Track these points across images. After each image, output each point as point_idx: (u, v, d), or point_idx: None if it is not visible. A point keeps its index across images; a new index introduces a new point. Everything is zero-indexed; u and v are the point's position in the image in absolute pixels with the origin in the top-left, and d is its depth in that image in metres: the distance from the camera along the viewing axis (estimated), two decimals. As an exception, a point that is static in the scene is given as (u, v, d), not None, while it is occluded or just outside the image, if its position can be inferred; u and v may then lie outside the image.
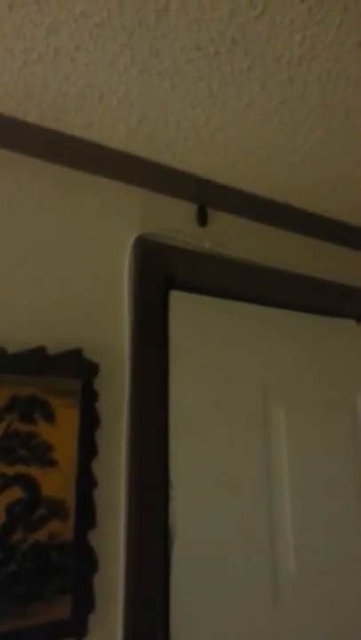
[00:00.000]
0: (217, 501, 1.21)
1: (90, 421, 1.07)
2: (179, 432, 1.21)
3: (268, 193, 1.46)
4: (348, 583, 1.33)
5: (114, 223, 1.26)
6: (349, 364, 1.55)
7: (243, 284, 1.41)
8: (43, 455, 1.00)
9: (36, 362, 1.04)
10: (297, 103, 1.12)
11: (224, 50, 0.98)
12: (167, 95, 1.08)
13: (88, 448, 1.06)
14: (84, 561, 1.00)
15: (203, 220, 1.40)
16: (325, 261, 1.61)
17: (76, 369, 1.08)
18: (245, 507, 1.25)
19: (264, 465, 1.31)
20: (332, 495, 1.38)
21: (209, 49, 0.97)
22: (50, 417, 1.02)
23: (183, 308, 1.31)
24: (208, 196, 1.42)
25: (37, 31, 0.92)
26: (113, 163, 1.26)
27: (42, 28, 0.91)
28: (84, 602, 0.99)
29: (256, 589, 1.20)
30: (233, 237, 1.44)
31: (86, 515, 1.02)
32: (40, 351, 1.05)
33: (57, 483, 1.00)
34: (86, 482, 1.04)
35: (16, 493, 0.96)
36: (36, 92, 1.06)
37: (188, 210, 1.39)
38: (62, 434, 1.02)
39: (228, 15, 0.90)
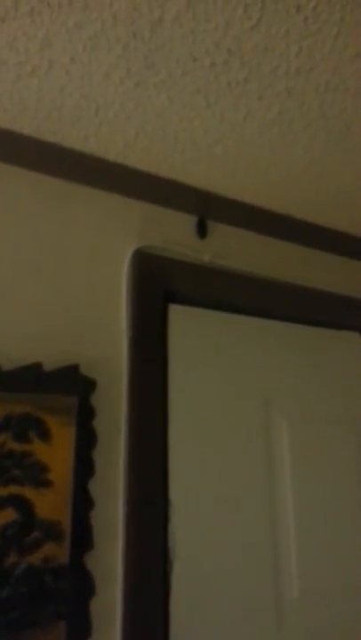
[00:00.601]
0: (217, 521, 1.18)
1: (86, 439, 1.05)
2: (178, 449, 1.18)
3: (269, 204, 1.44)
4: (355, 607, 1.28)
5: (112, 236, 1.24)
6: (353, 377, 1.52)
7: (243, 296, 1.38)
8: (37, 475, 0.97)
9: (31, 379, 1.02)
10: (295, 114, 1.11)
11: (220, 61, 0.96)
12: (164, 107, 1.07)
13: (85, 467, 1.03)
14: (80, 585, 0.97)
15: (202, 232, 1.38)
16: (327, 273, 1.58)
17: (73, 385, 1.06)
18: (247, 526, 1.21)
19: (266, 482, 1.27)
20: (336, 513, 1.34)
21: (205, 60, 0.96)
22: (45, 435, 0.99)
23: (183, 321, 1.29)
24: (208, 208, 1.40)
25: (31, 44, 0.91)
26: (111, 175, 1.24)
27: (35, 40, 0.90)
28: (80, 627, 0.95)
29: (258, 613, 1.16)
30: (233, 249, 1.43)
31: (82, 537, 0.99)
32: (35, 367, 1.03)
33: (52, 504, 0.97)
34: (83, 502, 1.01)
35: (9, 515, 0.93)
36: (31, 104, 1.05)
37: (188, 222, 1.38)
38: (58, 453, 1.00)
39: (223, 26, 0.89)
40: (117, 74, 0.98)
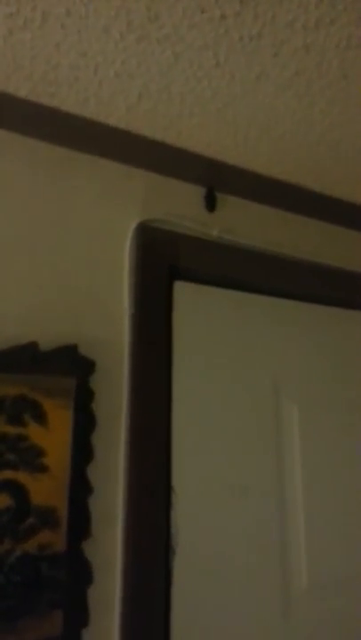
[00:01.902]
0: (223, 509, 1.14)
1: (85, 423, 1.00)
2: (182, 434, 1.13)
3: (283, 175, 1.35)
4: (364, 596, 1.24)
5: (113, 208, 1.17)
6: (368, 360, 1.45)
7: (254, 274, 1.31)
8: (33, 460, 0.92)
9: (26, 359, 0.96)
10: (314, 74, 1.01)
11: (231, 13, 0.87)
12: (169, 65, 0.98)
13: (83, 452, 0.98)
14: (78, 573, 0.94)
15: (211, 204, 1.30)
16: (344, 249, 1.50)
17: (71, 366, 1.00)
18: (254, 514, 1.17)
19: (275, 469, 1.22)
20: (348, 501, 1.29)
21: (214, 12, 0.87)
22: (41, 418, 0.94)
23: (188, 300, 1.22)
24: (217, 179, 1.31)
25: (21, -7, 0.82)
26: (112, 142, 1.16)
27: (26, -11, 0.82)
28: (77, 617, 0.92)
29: (265, 603, 1.12)
30: (244, 223, 1.34)
31: (80, 524, 0.95)
32: (31, 347, 0.98)
33: (48, 489, 0.93)
34: (81, 488, 0.97)
35: (3, 501, 0.89)
36: (25, 63, 0.96)
37: (195, 193, 1.29)
38: (55, 436, 0.95)
39: (236, -30, 0.80)
40: (117, 27, 0.89)
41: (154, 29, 0.90)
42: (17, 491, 0.90)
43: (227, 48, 0.94)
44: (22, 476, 0.91)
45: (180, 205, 1.26)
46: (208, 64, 0.98)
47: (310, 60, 0.98)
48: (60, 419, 0.96)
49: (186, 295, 1.22)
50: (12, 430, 0.92)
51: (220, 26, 0.90)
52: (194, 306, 1.23)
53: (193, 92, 1.04)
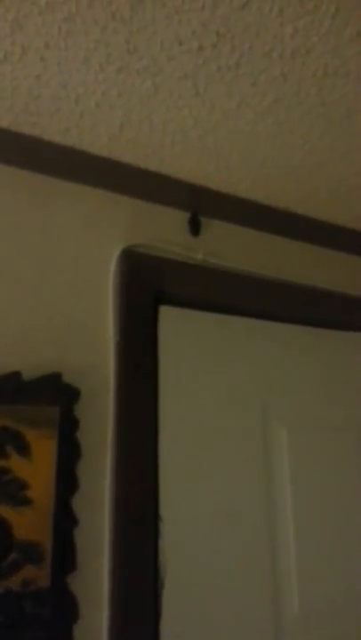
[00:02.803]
0: (213, 536, 1.12)
1: (70, 453, 0.98)
2: (169, 461, 1.11)
3: (266, 198, 1.37)
4: (358, 623, 1.22)
5: (97, 235, 1.17)
6: (357, 381, 1.44)
7: (239, 296, 1.31)
8: (15, 493, 0.90)
9: (8, 389, 0.95)
10: (292, 101, 1.03)
11: (208, 44, 0.89)
12: (149, 95, 0.99)
13: (67, 482, 0.96)
14: (63, 609, 0.91)
15: (195, 228, 1.31)
16: (328, 270, 1.51)
17: (54, 395, 0.99)
18: (244, 541, 1.15)
19: (265, 494, 1.21)
20: (339, 525, 1.27)
21: (192, 44, 0.89)
22: (24, 450, 0.93)
23: (174, 324, 1.22)
24: (200, 204, 1.32)
25: (0, 27, 0.83)
26: (95, 170, 1.17)
27: (5, 23, 0.83)
28: (63, 655, 0.89)
29: (257, 633, 1.10)
30: (228, 247, 1.35)
31: (65, 557, 0.93)
32: (14, 377, 0.97)
33: (31, 523, 0.91)
34: (65, 520, 0.95)
35: (-15, 537, 0.87)
36: (6, 94, 0.97)
37: (179, 218, 1.30)
38: (38, 468, 0.93)
39: (211, 5, 0.81)
40: (97, 59, 0.91)
41: (133, 61, 0.91)
42: (-1, 525, 0.88)
43: (206, 78, 0.96)
44: (4, 511, 0.89)
45: (164, 230, 1.26)
46: (188, 94, 0.99)
47: (288, 87, 1.00)
48: (44, 449, 0.95)
49: (171, 320, 1.22)
50: (-6, 463, 0.90)
51: (199, 57, 0.91)
52: (180, 330, 1.22)
53: (174, 120, 1.06)
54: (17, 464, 0.92)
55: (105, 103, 1.00)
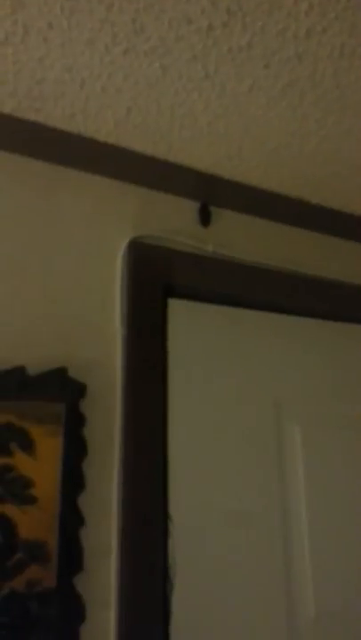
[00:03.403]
0: (224, 537, 1.08)
1: (76, 450, 0.95)
2: (179, 459, 1.08)
3: (278, 187, 1.32)
4: (374, 626, 1.18)
5: (104, 225, 1.13)
6: (372, 376, 1.40)
7: (251, 289, 1.27)
8: (20, 491, 0.88)
9: (13, 384, 0.92)
10: (307, 84, 0.98)
11: (219, 23, 0.84)
12: (157, 78, 0.95)
13: (73, 481, 0.94)
14: (69, 610, 0.89)
15: (205, 219, 1.27)
16: (344, 261, 1.46)
17: (60, 390, 0.96)
18: (257, 542, 1.11)
19: (278, 493, 1.17)
20: (355, 526, 1.23)
21: (201, 22, 0.84)
22: (29, 447, 0.90)
23: (183, 317, 1.18)
24: (210, 193, 1.28)
25: (1, 6, 0.80)
26: (102, 157, 1.13)
27: (6, 1, 0.79)
28: (69, 658, 0.87)
29: (271, 636, 1.07)
30: (239, 238, 1.31)
31: (72, 557, 0.90)
32: (18, 372, 0.94)
33: (37, 522, 0.88)
34: (71, 520, 0.92)
35: (-11, 536, 0.84)
36: (8, 78, 0.94)
37: (189, 208, 1.26)
38: (43, 466, 0.91)
39: (222, -21, 0.77)
40: (102, 40, 0.87)
41: (140, 42, 0.87)
42: (3, 525, 0.85)
43: (216, 59, 0.92)
44: (9, 509, 0.86)
45: (173, 221, 1.22)
46: (197, 76, 0.95)
47: (303, 69, 0.95)
48: (49, 447, 0.92)
49: (180, 313, 1.18)
50: (-3, 460, 0.87)
51: (208, 37, 0.87)
52: (189, 324, 1.19)
53: (183, 104, 1.02)
54: (21, 461, 0.89)
55: (111, 86, 0.96)
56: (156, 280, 1.15)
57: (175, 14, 0.83)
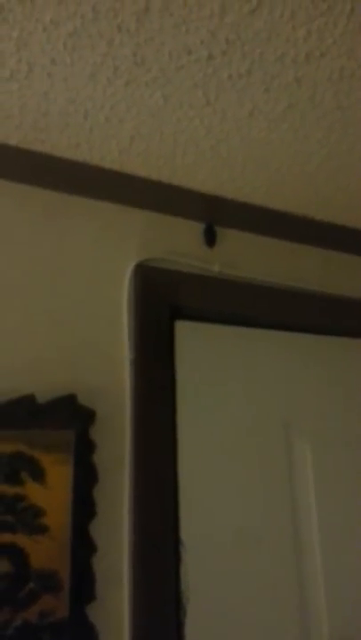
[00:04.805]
0: (236, 561, 1.07)
1: (86, 477, 0.95)
2: (189, 483, 1.07)
3: (283, 205, 1.32)
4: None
5: (110, 250, 1.14)
6: (383, 392, 1.38)
7: (258, 308, 1.27)
8: (31, 521, 0.88)
9: (22, 413, 0.93)
10: (307, 106, 0.99)
11: (218, 52, 0.86)
12: (159, 107, 0.97)
13: (84, 508, 0.94)
14: (83, 640, 0.88)
15: (211, 239, 1.27)
16: (351, 277, 1.45)
17: (70, 418, 0.97)
18: (269, 565, 1.10)
19: (289, 515, 1.16)
20: (368, 546, 1.22)
21: (201, 52, 0.86)
22: (39, 476, 0.91)
23: (191, 339, 1.19)
24: (215, 214, 1.29)
25: (6, 45, 0.82)
26: (107, 184, 1.15)
27: (10, 41, 0.81)
28: None
29: (285, 661, 1.05)
30: (245, 257, 1.31)
31: (84, 586, 0.90)
32: (27, 400, 0.94)
33: (48, 551, 0.88)
34: (83, 548, 0.92)
35: (1, 567, 0.84)
36: (14, 112, 0.96)
37: (194, 229, 1.27)
38: (54, 494, 0.91)
39: (219, 12, 0.78)
40: (104, 73, 0.88)
41: (141, 73, 0.89)
42: (15, 555, 0.86)
43: (216, 87, 0.93)
44: (21, 539, 0.86)
45: (179, 242, 1.23)
46: (199, 103, 0.96)
47: (303, 93, 0.96)
48: (60, 475, 0.92)
49: (188, 335, 1.18)
50: (8, 490, 0.88)
51: (208, 66, 0.88)
52: (197, 345, 1.19)
53: (185, 131, 1.03)
54: (32, 491, 0.89)
55: (114, 117, 0.98)
56: (162, 302, 1.15)
57: (175, 46, 0.84)
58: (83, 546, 0.91)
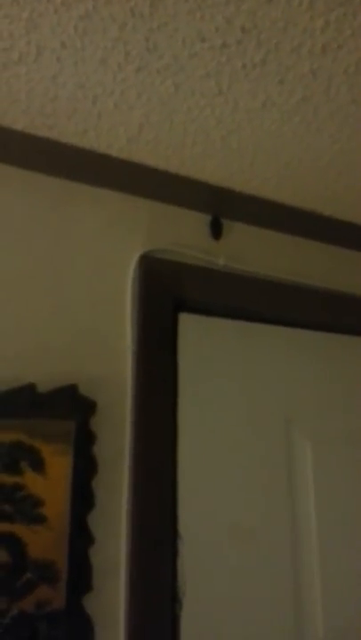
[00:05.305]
0: (233, 556, 1.07)
1: (85, 468, 0.95)
2: (189, 476, 1.07)
3: (292, 200, 1.30)
4: (386, 648, 1.17)
5: (115, 239, 1.13)
6: (385, 391, 1.38)
7: (263, 303, 1.26)
8: (30, 511, 0.88)
9: (23, 402, 0.92)
10: (321, 99, 0.97)
11: (233, 41, 0.83)
12: (170, 95, 0.94)
13: (83, 499, 0.93)
14: (79, 631, 0.88)
15: (217, 232, 1.26)
16: (358, 274, 1.44)
17: (71, 408, 0.96)
18: (266, 561, 1.10)
19: (288, 510, 1.16)
20: (365, 544, 1.22)
21: (215, 40, 0.83)
22: (38, 466, 0.90)
23: (195, 332, 1.17)
24: (222, 206, 1.27)
25: (15, 27, 0.80)
26: (114, 172, 1.13)
27: (20, 22, 0.79)
28: None
29: (278, 656, 1.06)
30: (251, 251, 1.30)
31: (81, 577, 0.90)
32: (28, 389, 0.94)
33: (46, 541, 0.88)
34: (81, 539, 0.91)
35: (-2, 556, 0.84)
36: (21, 96, 0.94)
37: (200, 221, 1.25)
38: (53, 484, 0.90)
39: (236, -1, 0.76)
40: (115, 59, 0.86)
41: (153, 60, 0.87)
42: (13, 545, 0.85)
43: (229, 76, 0.91)
44: (18, 529, 0.86)
45: (184, 234, 1.22)
46: (210, 92, 0.94)
47: (318, 85, 0.94)
48: (59, 465, 0.92)
49: (191, 328, 1.17)
50: (7, 479, 0.87)
51: (222, 54, 0.86)
52: (200, 339, 1.18)
53: (196, 120, 1.01)
54: (31, 480, 0.89)
55: (124, 104, 0.96)
56: (166, 294, 1.14)
57: (189, 32, 0.82)
58: (81, 537, 0.91)
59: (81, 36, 0.82)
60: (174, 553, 1.01)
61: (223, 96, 0.95)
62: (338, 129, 1.05)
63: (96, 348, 1.04)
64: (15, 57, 0.85)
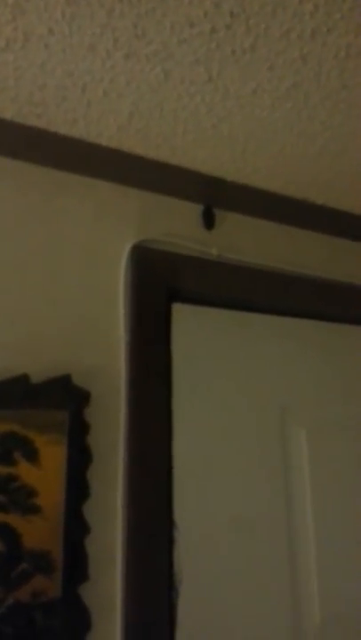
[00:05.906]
0: (229, 544, 1.08)
1: (80, 458, 0.95)
2: (184, 465, 1.07)
3: (284, 189, 1.30)
4: (382, 633, 1.17)
5: (107, 230, 1.12)
6: (380, 379, 1.38)
7: (256, 292, 1.25)
8: (24, 501, 0.87)
9: (16, 392, 0.92)
10: (312, 86, 0.96)
11: (222, 26, 0.83)
12: (160, 82, 0.94)
13: (78, 489, 0.93)
14: (75, 620, 0.88)
15: (209, 222, 1.25)
16: (351, 263, 1.44)
17: (64, 398, 0.96)
18: (262, 548, 1.11)
19: (283, 499, 1.16)
20: (361, 532, 1.23)
21: (204, 26, 0.83)
22: (32, 456, 0.90)
23: (188, 322, 1.17)
24: (215, 195, 1.27)
25: (1, 12, 0.79)
26: (104, 162, 1.12)
27: (6, 7, 0.78)
28: (75, 667, 0.86)
29: (275, 643, 1.06)
30: (244, 240, 1.29)
31: (77, 567, 0.90)
32: (22, 380, 0.93)
33: (41, 532, 0.88)
34: (76, 529, 0.91)
35: (-7, 547, 0.84)
36: (9, 84, 0.93)
37: (193, 211, 1.25)
38: (47, 475, 0.90)
39: (224, -18, 0.75)
40: (103, 45, 0.85)
41: (142, 46, 0.86)
42: (7, 535, 0.85)
43: (219, 62, 0.90)
44: (13, 519, 0.86)
45: (176, 224, 1.21)
46: (200, 79, 0.94)
47: (308, 71, 0.93)
48: (53, 455, 0.91)
49: (185, 318, 1.17)
50: (1, 470, 0.87)
51: (211, 40, 0.85)
52: (194, 329, 1.18)
53: (186, 108, 1.00)
54: (25, 471, 0.89)
55: (113, 91, 0.95)
56: (159, 284, 1.14)
57: (177, 18, 0.81)
58: (76, 526, 0.91)
59: (69, 22, 0.81)
60: (170, 542, 1.01)
61: (213, 83, 0.95)
62: (329, 116, 1.05)
63: (89, 338, 1.03)
64: (2, 43, 0.84)
